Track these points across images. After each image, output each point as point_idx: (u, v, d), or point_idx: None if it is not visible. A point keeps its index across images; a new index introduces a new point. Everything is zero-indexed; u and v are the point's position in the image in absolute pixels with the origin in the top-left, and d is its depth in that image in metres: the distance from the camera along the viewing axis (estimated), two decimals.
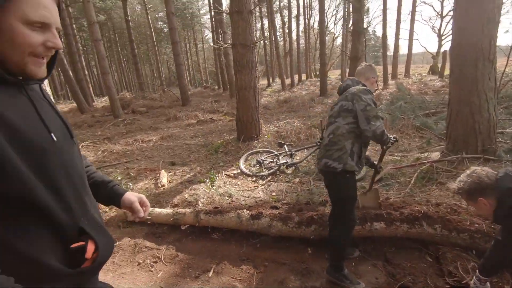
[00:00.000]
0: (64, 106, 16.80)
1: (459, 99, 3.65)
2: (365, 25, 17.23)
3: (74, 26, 17.82)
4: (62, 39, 16.91)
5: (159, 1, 29.63)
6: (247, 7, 5.06)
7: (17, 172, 0.65)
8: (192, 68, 40.37)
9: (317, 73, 25.33)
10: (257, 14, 26.71)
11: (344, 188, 2.06)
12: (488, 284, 1.72)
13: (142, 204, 1.06)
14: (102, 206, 3.44)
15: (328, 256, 2.26)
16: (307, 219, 2.57)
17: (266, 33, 28.98)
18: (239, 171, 4.55)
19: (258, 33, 31.11)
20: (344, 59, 20.72)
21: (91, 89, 18.64)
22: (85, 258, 0.77)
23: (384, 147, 2.16)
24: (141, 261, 2.59)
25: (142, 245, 2.79)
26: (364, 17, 16.00)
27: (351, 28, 7.97)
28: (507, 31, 12.22)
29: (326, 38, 20.46)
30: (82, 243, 0.78)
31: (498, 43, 3.41)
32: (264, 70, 26.46)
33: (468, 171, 1.59)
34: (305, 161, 4.61)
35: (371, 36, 48.24)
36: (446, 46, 17.87)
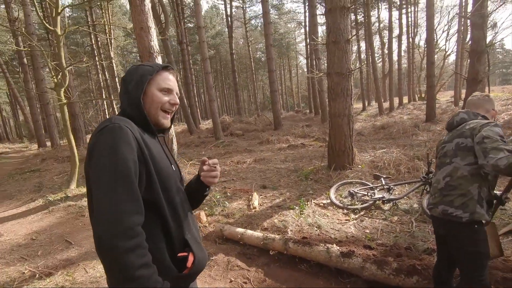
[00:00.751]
0: (178, 128, 19.98)
1: None
2: (488, 42, 14.57)
3: (190, 61, 21.34)
4: (181, 72, 20.50)
5: (259, 34, 32.64)
6: (345, 36, 5.08)
7: (156, 186, 0.98)
8: (285, 93, 42.10)
9: (423, 95, 22.56)
10: (354, 37, 26.19)
11: (473, 243, 1.70)
12: None
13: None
14: (201, 222, 3.90)
15: None
16: (407, 267, 2.29)
17: (363, 56, 27.91)
18: (329, 201, 4.42)
19: (354, 56, 30.29)
20: (459, 79, 17.91)
21: (199, 113, 21.63)
22: (186, 266, 1.01)
23: None
24: (232, 279, 2.79)
25: (234, 264, 3.01)
26: (488, 33, 13.61)
27: (469, 45, 6.92)
28: None
29: (436, 56, 18.16)
30: (185, 253, 1.02)
31: None
32: (359, 93, 25.30)
33: None
34: (405, 197, 4.13)
35: (497, 49, 40.28)
36: None
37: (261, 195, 5.06)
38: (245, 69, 37.08)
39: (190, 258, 1.03)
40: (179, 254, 1.02)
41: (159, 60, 6.31)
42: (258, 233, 3.30)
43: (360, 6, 22.78)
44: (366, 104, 23.58)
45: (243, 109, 29.36)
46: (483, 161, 1.61)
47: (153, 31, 5.39)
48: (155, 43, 6.16)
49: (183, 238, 1.05)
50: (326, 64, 5.54)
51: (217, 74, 38.35)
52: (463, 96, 15.63)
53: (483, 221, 1.72)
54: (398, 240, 3.11)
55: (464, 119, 1.88)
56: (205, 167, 1.22)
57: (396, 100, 21.14)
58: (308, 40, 20.65)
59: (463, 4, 17.72)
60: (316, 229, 3.56)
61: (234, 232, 3.43)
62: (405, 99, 24.83)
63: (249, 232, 3.36)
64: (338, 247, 2.71)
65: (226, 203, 4.68)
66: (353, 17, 24.69)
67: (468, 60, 7.81)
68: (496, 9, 14.46)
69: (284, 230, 3.53)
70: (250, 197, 4.81)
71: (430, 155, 4.30)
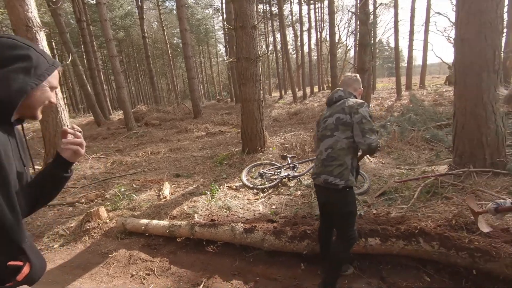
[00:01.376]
0: (83, 119, 17.53)
1: (464, 111, 3.53)
2: (375, 38, 17.21)
3: (94, 43, 18.75)
4: (84, 55, 17.83)
5: (175, 18, 30.85)
6: (251, 22, 5.18)
7: None
8: (207, 82, 41.32)
9: (330, 85, 25.26)
10: (269, 28, 27.27)
11: (346, 204, 1.99)
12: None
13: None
14: (100, 218, 3.51)
15: (324, 273, 2.19)
16: (300, 233, 2.52)
17: (279, 47, 29.41)
18: (241, 183, 4.54)
19: (271, 47, 31.63)
20: (356, 70, 20.58)
21: (108, 103, 19.38)
22: (14, 278, 0.84)
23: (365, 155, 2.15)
24: (134, 273, 2.61)
25: (137, 257, 2.81)
26: (374, 29, 15.98)
27: (358, 40, 7.96)
28: None
29: (339, 50, 20.54)
30: (20, 263, 0.84)
31: None
32: (277, 83, 26.68)
33: None
34: (307, 173, 4.55)
35: (385, 47, 47.86)
36: None
37: (173, 184, 4.86)
38: (162, 55, 34.74)
39: (25, 270, 0.86)
40: (11, 263, 0.83)
41: (41, 37, 5.31)
42: (164, 222, 3.16)
43: None
44: (283, 92, 25.06)
45: (161, 97, 27.61)
46: (361, 140, 1.88)
47: None
48: (34, 14, 5.14)
49: (20, 246, 0.86)
50: (236, 52, 5.57)
51: (129, 59, 34.84)
52: None
53: (352, 186, 2.00)
54: (298, 211, 3.41)
55: (341, 96, 2.12)
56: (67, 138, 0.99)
57: (308, 89, 23.07)
58: (226, 28, 20.55)
59: (358, 3, 20.29)
60: (225, 211, 3.61)
61: (137, 225, 3.20)
62: (316, 88, 27.41)
63: (154, 222, 3.18)
64: (242, 225, 2.79)
65: (134, 195, 4.34)
66: (267, 8, 25.63)
67: (358, 54, 8.90)
68: (376, 8, 16.98)
69: (193, 216, 3.47)
70: (161, 187, 4.57)
71: None
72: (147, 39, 20.00)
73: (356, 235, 2.03)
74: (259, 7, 25.15)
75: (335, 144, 1.99)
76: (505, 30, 8.68)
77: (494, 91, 3.30)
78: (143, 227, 3.15)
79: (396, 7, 16.40)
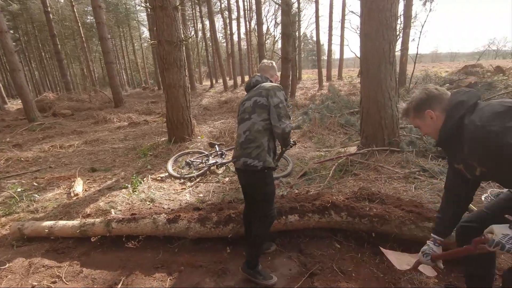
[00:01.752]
0: None
1: (368, 98, 4.03)
2: (299, 30, 18.24)
3: None
4: None
5: None
6: (172, 2, 4.86)
7: None
8: (130, 68, 37.79)
9: None
10: (198, 14, 26.25)
11: (265, 185, 2.04)
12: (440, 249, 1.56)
13: None
14: None
15: (245, 253, 2.24)
16: (225, 218, 2.53)
17: (208, 34, 28.64)
18: (167, 174, 4.33)
19: (200, 34, 30.57)
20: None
21: (2, 90, 16.09)
22: None
23: (283, 148, 2.23)
24: (35, 283, 2.25)
25: (40, 265, 2.43)
26: (297, 20, 16.91)
27: (281, 30, 8.28)
28: (413, 39, 14.30)
29: (267, 41, 21.11)
30: None
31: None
32: (208, 71, 26.07)
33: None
34: None
35: (309, 41, 51.19)
36: None
37: (88, 179, 4.34)
38: (73, 35, 30.17)
39: None
40: None
41: None
42: (73, 222, 2.79)
43: None
44: (214, 81, 24.67)
45: (74, 84, 24.18)
46: (277, 123, 1.94)
47: None
48: None
49: None
50: (156, 34, 5.17)
51: (29, 38, 29.27)
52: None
53: (271, 167, 2.06)
54: (225, 197, 3.42)
55: (259, 81, 2.17)
56: None
57: (239, 78, 23.22)
58: (149, 9, 18.98)
59: None
60: (149, 203, 3.40)
61: (39, 228, 2.76)
62: (247, 78, 27.78)
63: (61, 223, 2.78)
64: (165, 215, 2.66)
65: (36, 196, 3.72)
66: None
67: (281, 44, 9.23)
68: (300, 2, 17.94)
69: (110, 212, 3.16)
70: (73, 183, 4.02)
71: None
72: (51, 15, 17.05)
73: (274, 213, 2.12)
74: None
75: (252, 126, 2.02)
76: (401, 29, 10.14)
77: (390, 80, 3.84)
78: (47, 230, 2.72)
79: (317, 2, 17.58)
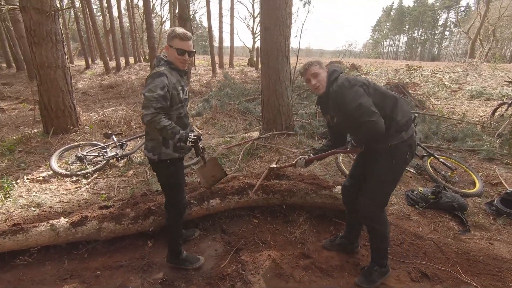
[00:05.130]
0: None
1: (268, 88, 4.46)
2: (192, 13, 17.71)
3: None
4: None
5: None
6: None
7: None
8: None
9: (147, 57, 23.77)
10: None
11: (166, 176, 1.99)
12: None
13: None
14: None
15: (166, 244, 2.21)
16: (144, 211, 2.40)
17: (78, 4, 23.95)
18: (51, 172, 3.61)
19: (66, 1, 25.11)
20: None
21: None
22: None
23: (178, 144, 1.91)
24: None
25: None
26: (190, 4, 16.35)
27: (177, 13, 7.90)
28: (296, 36, 16.37)
29: (154, 20, 19.48)
30: None
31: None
32: (80, 48, 21.94)
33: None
34: (138, 150, 4.26)
35: (199, 25, 50.16)
36: (259, 43, 21.21)
37: None
38: None
39: None
40: None
41: None
42: None
43: None
44: (90, 61, 21.06)
45: None
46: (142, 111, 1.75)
47: None
48: None
49: None
50: None
51: None
52: None
53: (171, 159, 1.92)
54: (135, 191, 3.18)
55: (155, 65, 1.92)
56: None
57: (123, 60, 20.64)
58: None
59: None
60: (34, 209, 2.80)
61: None
62: (132, 60, 24.97)
63: None
64: (67, 219, 2.29)
65: None
66: None
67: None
68: None
69: None
70: None
71: None
72: None
73: (183, 203, 2.08)
74: None
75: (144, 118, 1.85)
76: None
77: (286, 72, 4.36)
78: None
79: None
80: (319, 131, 4.80)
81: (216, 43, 21.95)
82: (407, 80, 10.41)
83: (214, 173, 2.31)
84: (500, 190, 3.26)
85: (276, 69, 4.27)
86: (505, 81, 7.21)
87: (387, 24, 68.25)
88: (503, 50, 40.26)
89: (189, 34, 1.83)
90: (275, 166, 2.59)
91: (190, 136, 1.78)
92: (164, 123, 1.70)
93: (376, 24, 70.99)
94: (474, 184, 3.36)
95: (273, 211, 2.80)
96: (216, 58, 18.65)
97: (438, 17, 58.47)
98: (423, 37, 62.95)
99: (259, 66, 18.52)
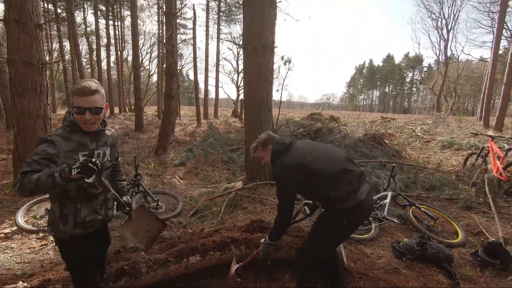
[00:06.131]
0: None
1: (252, 138, 4.55)
2: (179, 68, 18.75)
3: None
4: None
5: None
6: (34, 19, 4.11)
7: None
8: None
9: (132, 107, 24.18)
10: (54, 33, 22.59)
11: (67, 257, 1.65)
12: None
13: None
14: None
15: None
16: (115, 272, 2.18)
17: (67, 57, 24.85)
18: (15, 228, 3.31)
19: (56, 54, 26.01)
20: (160, 96, 21.16)
21: None
22: None
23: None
24: None
25: None
26: (178, 60, 17.37)
27: (165, 68, 8.31)
28: (277, 90, 17.60)
29: (142, 73, 20.35)
30: None
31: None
32: (65, 98, 22.13)
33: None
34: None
35: (186, 78, 52.62)
36: (243, 95, 22.25)
37: None
38: None
39: None
40: None
41: None
42: None
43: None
44: None
45: None
46: None
47: None
48: None
49: None
50: (7, 51, 4.17)
51: None
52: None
53: (75, 236, 1.59)
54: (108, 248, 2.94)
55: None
56: None
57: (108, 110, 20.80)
58: None
59: (161, 33, 21.36)
60: None
61: None
62: (117, 110, 25.30)
63: None
64: (25, 284, 2.04)
65: None
66: (51, 7, 21.26)
67: (166, 82, 9.23)
68: (180, 42, 18.70)
69: None
70: None
71: (137, 160, 4.59)
72: None
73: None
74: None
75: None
76: None
77: (268, 123, 4.52)
78: None
79: (194, 45, 18.68)
80: None
81: (201, 95, 22.85)
82: (383, 131, 11.02)
83: (147, 227, 1.89)
84: (482, 239, 3.27)
85: (259, 121, 4.43)
86: (471, 133, 7.78)
87: (361, 81, 74.49)
88: (465, 104, 44.33)
89: (92, 87, 1.47)
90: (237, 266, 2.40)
91: (74, 165, 1.31)
92: (34, 177, 1.29)
93: (351, 80, 77.30)
94: (457, 233, 3.37)
95: (257, 268, 2.64)
96: (201, 109, 19.23)
97: (405, 75, 64.75)
98: (393, 92, 68.65)
99: (243, 117, 19.18)
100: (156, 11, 23.45)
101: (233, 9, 25.54)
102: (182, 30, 29.32)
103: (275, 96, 5.23)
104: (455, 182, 4.99)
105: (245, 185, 4.58)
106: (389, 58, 68.12)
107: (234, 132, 12.55)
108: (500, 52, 17.52)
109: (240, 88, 24.79)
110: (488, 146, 5.21)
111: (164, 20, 12.86)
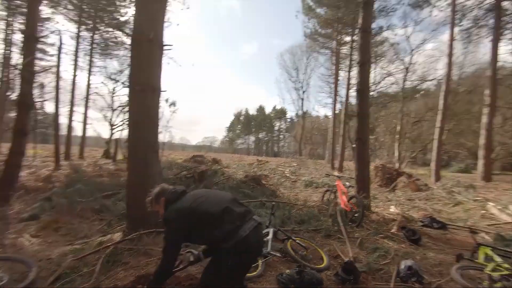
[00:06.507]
0: None
1: (135, 183, 4.21)
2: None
3: None
4: None
5: None
6: None
7: None
8: None
9: None
10: None
11: None
12: None
13: None
14: None
15: None
16: None
17: None
18: None
19: None
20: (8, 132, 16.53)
21: None
22: None
23: None
24: None
25: None
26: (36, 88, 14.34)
27: (18, 99, 6.77)
28: (161, 131, 16.94)
29: None
30: None
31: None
32: None
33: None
34: None
35: (39, 111, 43.35)
36: (117, 134, 20.24)
37: None
38: None
39: None
40: None
41: None
42: None
43: None
44: None
45: None
46: None
47: None
48: None
49: None
50: None
51: None
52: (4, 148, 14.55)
53: None
54: None
55: None
56: None
57: None
58: None
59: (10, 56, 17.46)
60: None
61: None
62: None
63: None
64: None
65: None
66: None
67: (17, 114, 7.50)
68: (43, 71, 15.84)
69: None
70: None
71: None
72: None
73: None
74: None
75: None
76: None
77: (154, 166, 4.32)
78: None
79: (57, 74, 16.05)
80: None
81: (64, 132, 19.31)
82: (260, 172, 12.29)
83: None
84: (339, 261, 4.04)
85: (145, 164, 4.18)
86: (325, 174, 9.77)
87: (239, 126, 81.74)
88: (317, 150, 55.36)
89: None
90: None
91: None
92: None
93: (230, 125, 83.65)
94: (322, 259, 4.03)
95: None
96: (62, 148, 16.11)
97: (274, 124, 75.76)
98: (266, 138, 78.42)
99: (118, 158, 17.27)
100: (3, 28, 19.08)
101: (110, 43, 23.99)
102: (40, 55, 24.83)
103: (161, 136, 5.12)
104: (317, 215, 6.04)
105: (125, 236, 4.05)
106: (261, 109, 78.63)
107: (108, 176, 11.03)
108: (336, 111, 23.48)
109: (114, 127, 22.47)
110: (336, 184, 6.68)
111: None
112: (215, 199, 2.22)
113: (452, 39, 15.60)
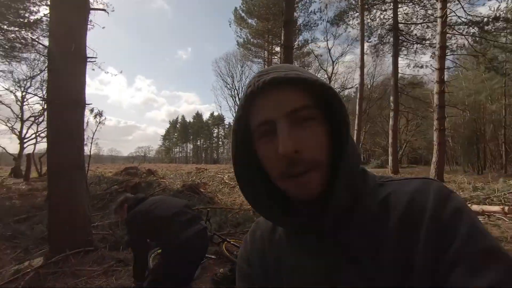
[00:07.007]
0: None
1: (58, 203, 3.96)
2: None
3: None
4: None
5: None
6: None
7: None
8: None
9: None
10: None
11: None
12: None
13: None
14: None
15: None
16: None
17: None
18: None
19: None
20: None
21: None
22: None
23: None
24: None
25: None
26: None
27: None
28: (86, 144, 15.39)
29: None
30: None
31: None
32: None
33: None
34: None
35: None
36: (29, 149, 17.77)
37: None
38: None
39: None
40: None
41: None
42: None
43: None
44: None
45: None
46: None
47: None
48: None
49: None
50: None
51: None
52: None
53: None
54: None
55: None
56: None
57: None
58: None
59: None
60: None
61: None
62: None
63: None
64: None
65: None
66: None
67: None
68: None
69: None
70: None
71: None
72: None
73: None
74: None
75: None
76: None
77: (81, 182, 4.13)
78: None
79: None
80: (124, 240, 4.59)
81: None
82: (198, 181, 12.28)
83: None
84: None
85: (70, 181, 3.97)
86: None
87: (175, 134, 78.87)
88: None
89: None
90: None
91: None
92: None
93: (166, 134, 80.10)
94: None
95: None
96: None
97: (212, 131, 75.27)
98: (204, 145, 77.30)
99: (33, 176, 15.19)
100: None
101: (17, 45, 20.92)
102: None
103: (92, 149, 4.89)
104: (252, 217, 6.46)
105: (48, 259, 3.77)
106: (198, 116, 77.36)
107: (19, 198, 9.64)
108: None
109: (26, 141, 19.52)
110: None
111: None
112: (169, 204, 2.49)
113: (363, 53, 18.16)
